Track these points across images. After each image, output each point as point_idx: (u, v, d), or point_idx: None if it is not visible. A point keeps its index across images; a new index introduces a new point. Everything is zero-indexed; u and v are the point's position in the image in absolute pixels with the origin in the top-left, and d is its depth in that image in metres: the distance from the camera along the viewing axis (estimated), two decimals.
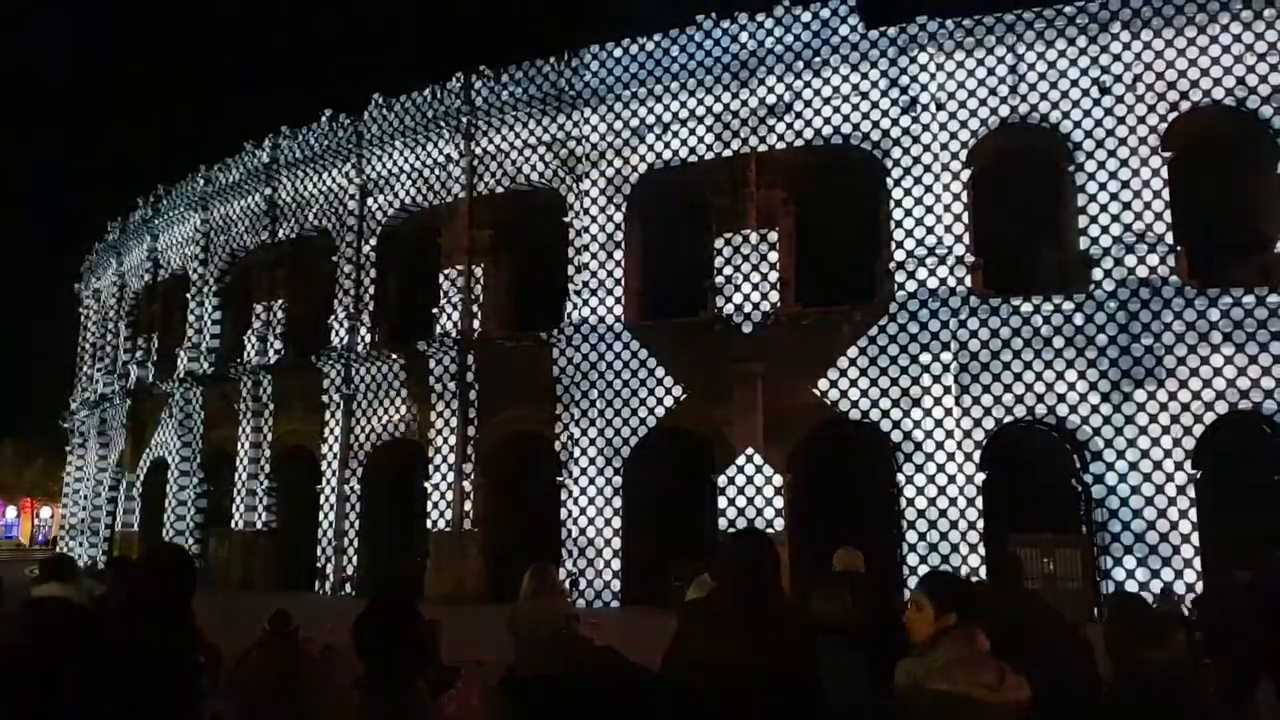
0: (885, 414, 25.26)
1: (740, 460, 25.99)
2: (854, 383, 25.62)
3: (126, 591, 5.83)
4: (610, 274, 28.64)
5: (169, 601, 4.40)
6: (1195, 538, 22.96)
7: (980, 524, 24.15)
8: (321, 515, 32.47)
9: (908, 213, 25.81)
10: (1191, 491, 23.24)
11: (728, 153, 27.75)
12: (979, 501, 24.36)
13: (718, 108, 28.09)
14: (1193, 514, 23.11)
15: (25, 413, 72.94)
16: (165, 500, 38.07)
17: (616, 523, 27.49)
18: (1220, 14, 24.58)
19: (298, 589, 30.95)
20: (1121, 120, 24.81)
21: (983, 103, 25.86)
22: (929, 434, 24.67)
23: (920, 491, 24.54)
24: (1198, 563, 22.78)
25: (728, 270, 27.09)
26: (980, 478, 24.42)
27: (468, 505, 29.75)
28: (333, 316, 33.51)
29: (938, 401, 24.74)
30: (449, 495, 29.67)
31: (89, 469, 46.81)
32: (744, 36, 28.07)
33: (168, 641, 4.29)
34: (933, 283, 25.14)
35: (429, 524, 29.98)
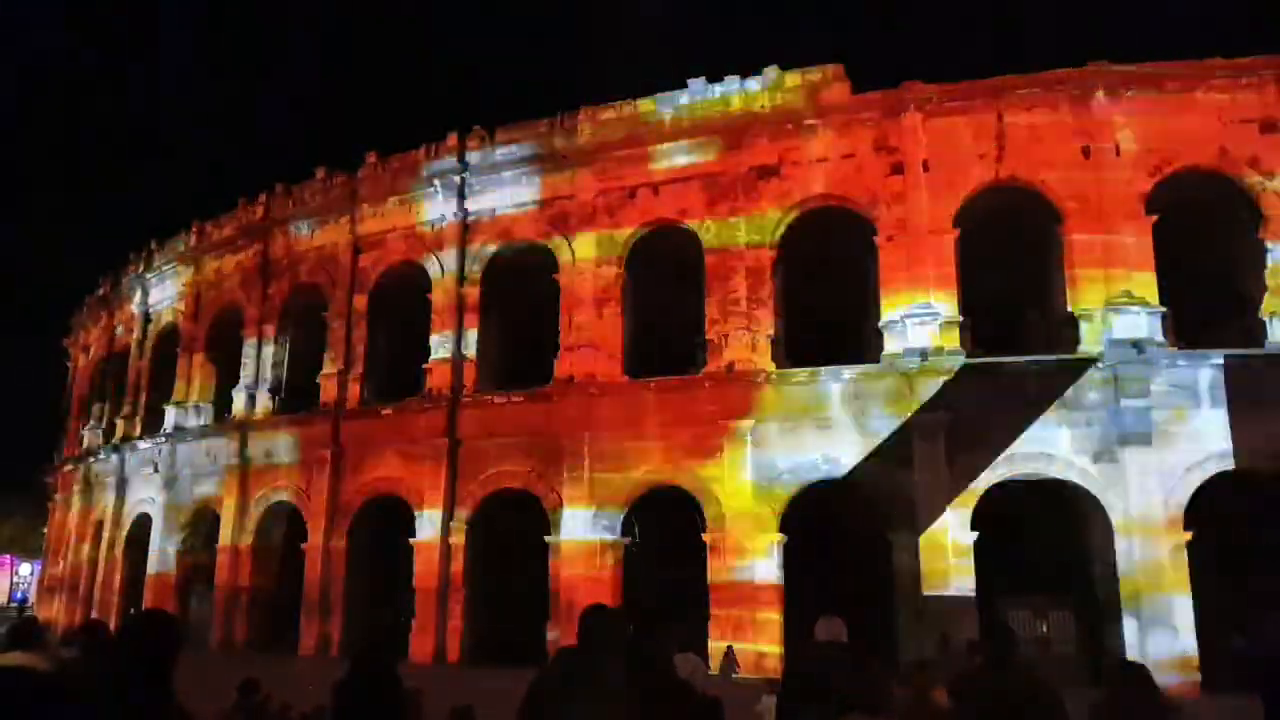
0: (876, 474, 25.13)
1: (731, 519, 25.77)
2: (844, 442, 25.53)
3: (102, 660, 5.64)
4: (601, 331, 28.68)
5: (149, 672, 4.20)
6: (1189, 600, 22.74)
7: (973, 586, 23.86)
8: (306, 574, 31.97)
9: (896, 273, 25.98)
10: (1185, 553, 23.08)
11: (718, 212, 28.00)
12: (971, 563, 24.11)
13: (708, 168, 28.39)
14: (1186, 576, 22.92)
15: (3, 466, 72.08)
16: (147, 558, 37.48)
17: (608, 583, 27.09)
18: (1200, 81, 25.10)
19: (281, 649, 30.40)
20: (1107, 183, 25.14)
21: (970, 165, 26.19)
22: (920, 494, 24.49)
23: (911, 553, 24.30)
24: (1192, 626, 22.53)
25: (718, 328, 27.14)
26: (972, 538, 24.19)
27: (453, 563, 29.35)
28: (322, 372, 33.40)
29: (928, 461, 24.62)
30: (434, 553, 29.28)
31: (71, 525, 46.14)
32: (734, 99, 28.51)
33: (142, 715, 4.11)
34: (921, 342, 25.21)
35: (413, 582, 29.56)
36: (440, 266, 31.85)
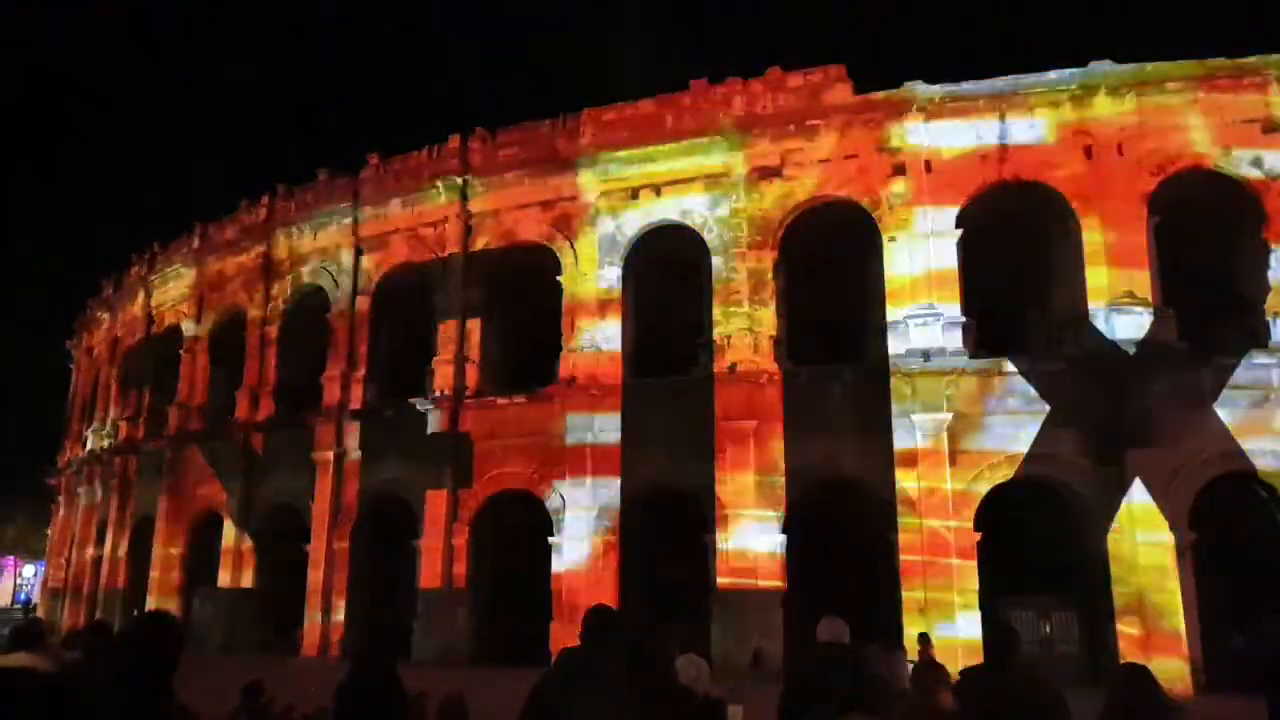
0: (878, 474, 25.10)
1: (733, 520, 25.76)
2: (846, 442, 25.51)
3: (104, 662, 5.65)
4: (603, 332, 28.69)
5: (150, 673, 4.22)
6: (1193, 601, 22.71)
7: (975, 586, 23.83)
8: (309, 575, 31.99)
9: (898, 273, 25.95)
10: (1188, 554, 23.04)
11: (719, 213, 28.00)
12: (974, 563, 24.08)
13: (709, 170, 28.38)
14: (1189, 576, 22.88)
15: (6, 468, 72.24)
16: (150, 559, 37.49)
17: (609, 584, 27.09)
18: (1202, 81, 25.07)
19: (283, 649, 30.44)
20: (1109, 183, 25.10)
21: (971, 166, 26.16)
22: (922, 495, 24.47)
23: (914, 553, 24.27)
24: (1196, 626, 22.51)
25: (721, 329, 27.13)
26: (975, 539, 24.17)
27: (456, 564, 29.36)
28: (325, 374, 33.41)
29: (930, 461, 24.60)
30: (438, 554, 29.28)
31: (74, 527, 46.19)
32: (736, 100, 28.51)
33: (144, 716, 4.12)
34: (923, 342, 25.18)
35: (417, 583, 29.57)
36: (443, 268, 31.87)
